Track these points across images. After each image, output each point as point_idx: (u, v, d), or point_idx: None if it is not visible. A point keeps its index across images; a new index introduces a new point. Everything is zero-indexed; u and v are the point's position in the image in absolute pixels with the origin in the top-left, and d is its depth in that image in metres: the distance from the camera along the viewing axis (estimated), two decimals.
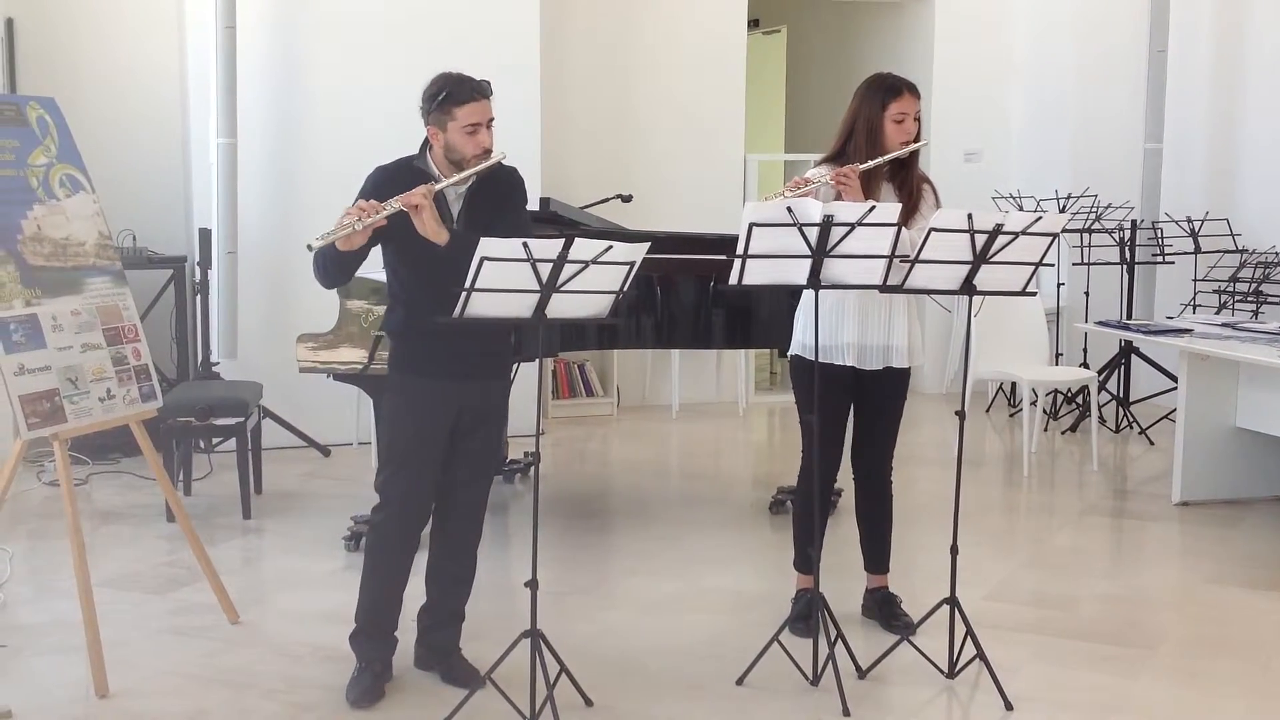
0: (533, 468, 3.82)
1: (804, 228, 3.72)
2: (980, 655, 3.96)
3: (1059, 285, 8.23)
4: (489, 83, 3.75)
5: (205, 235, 6.97)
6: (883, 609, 4.50)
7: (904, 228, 3.92)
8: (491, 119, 3.74)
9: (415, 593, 4.04)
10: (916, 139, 4.24)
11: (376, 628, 3.94)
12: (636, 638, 4.43)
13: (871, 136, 4.20)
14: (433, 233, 3.62)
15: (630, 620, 4.63)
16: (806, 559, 4.32)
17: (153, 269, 7.06)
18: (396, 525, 3.88)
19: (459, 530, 3.98)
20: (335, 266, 3.73)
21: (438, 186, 3.67)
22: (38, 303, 4.06)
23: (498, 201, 3.80)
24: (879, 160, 4.15)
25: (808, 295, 4.20)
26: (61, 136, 4.40)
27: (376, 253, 3.80)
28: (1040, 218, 3.78)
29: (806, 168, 4.31)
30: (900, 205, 3.90)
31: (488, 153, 3.71)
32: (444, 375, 3.81)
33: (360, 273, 3.88)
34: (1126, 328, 6.70)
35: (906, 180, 4.27)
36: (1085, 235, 7.99)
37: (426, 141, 3.79)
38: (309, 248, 3.61)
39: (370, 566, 3.94)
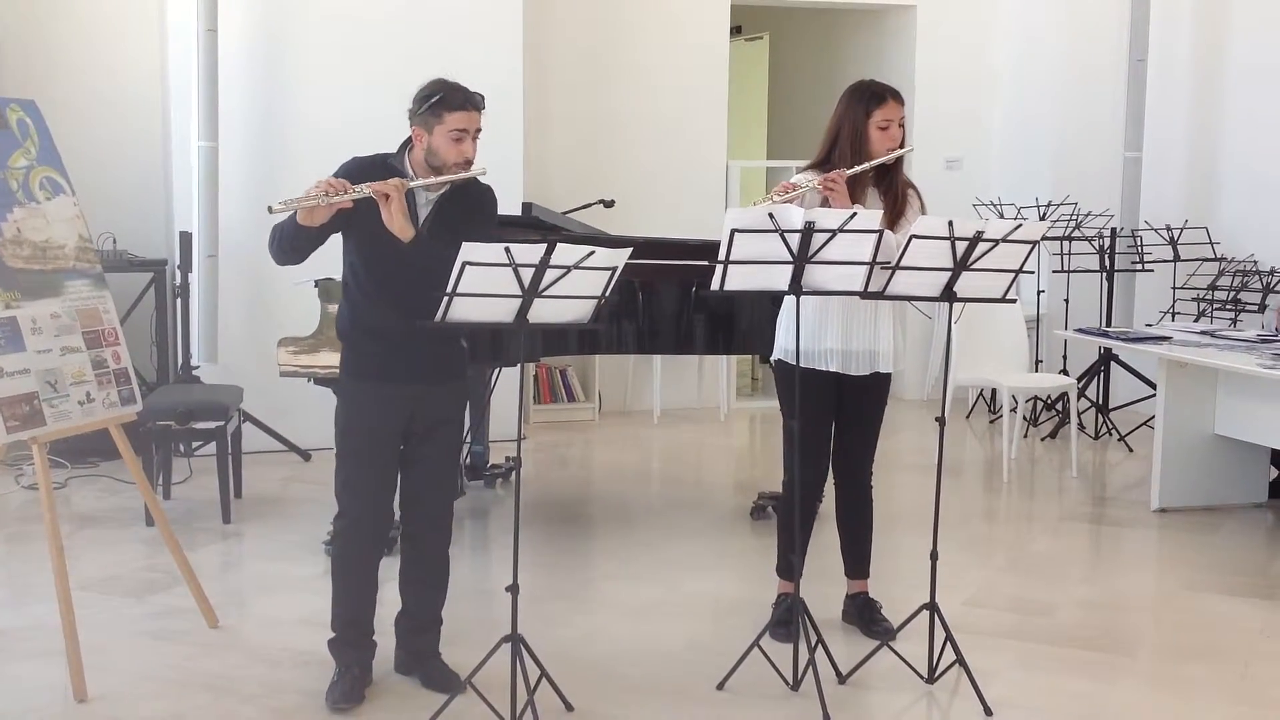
0: (514, 473, 3.81)
1: (785, 234, 3.73)
2: (960, 661, 3.97)
3: (1039, 292, 8.26)
4: (483, 96, 3.74)
5: (186, 238, 6.95)
6: (863, 614, 4.50)
7: (889, 231, 3.93)
8: (479, 130, 3.73)
9: (392, 597, 4.04)
10: (901, 145, 4.26)
11: (353, 633, 3.93)
12: (617, 643, 4.43)
13: (857, 143, 4.22)
14: (399, 227, 3.60)
15: (611, 625, 4.63)
16: (788, 564, 4.33)
17: (133, 272, 7.04)
18: (358, 531, 3.88)
19: (426, 537, 3.96)
20: (290, 242, 3.70)
21: (412, 184, 3.66)
22: (17, 305, 4.05)
23: (467, 215, 3.77)
24: (865, 165, 4.17)
25: (790, 300, 4.21)
26: (42, 139, 4.38)
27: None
28: (1020, 225, 3.80)
29: (788, 174, 4.34)
30: (882, 212, 3.92)
31: (468, 164, 3.71)
32: (391, 378, 3.79)
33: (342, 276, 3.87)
34: (1106, 335, 6.74)
35: (892, 186, 4.29)
36: (1065, 243, 8.02)
37: (406, 142, 3.78)
38: (270, 209, 3.58)
39: (338, 574, 3.94)
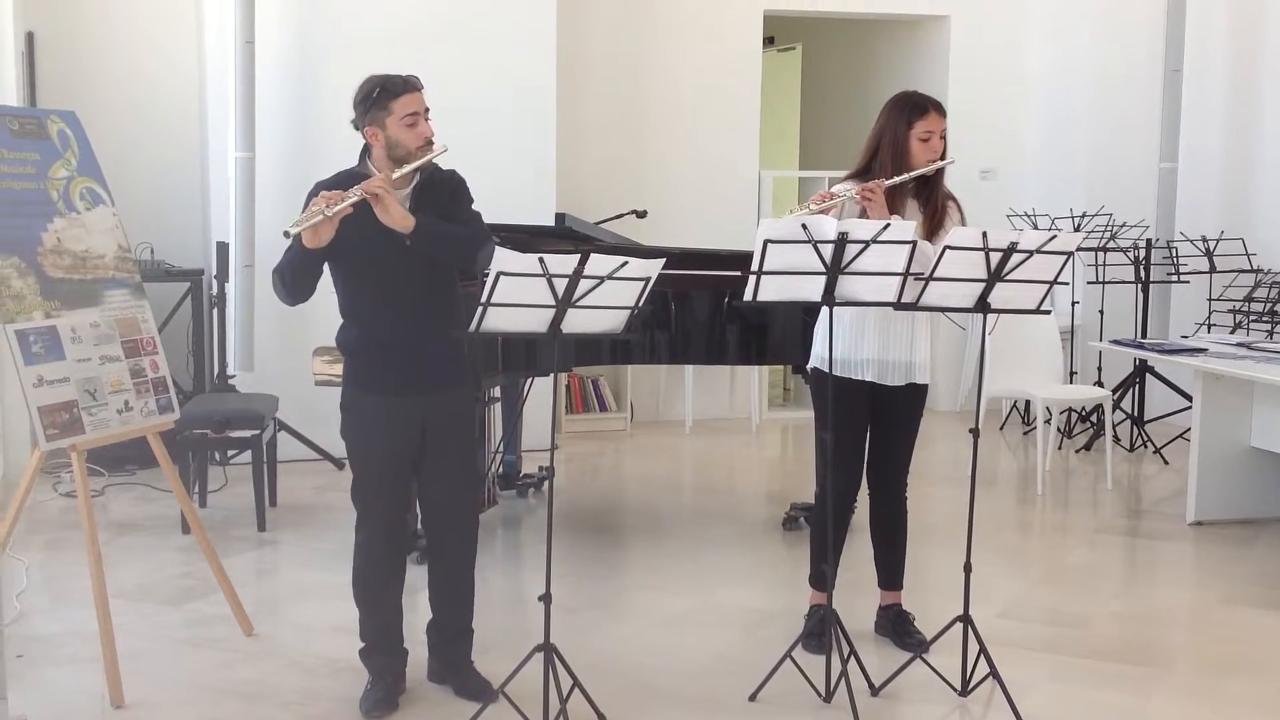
0: (547, 482, 3.82)
1: (819, 244, 3.73)
2: (993, 673, 3.95)
3: (1073, 304, 8.22)
4: (417, 76, 3.75)
5: (223, 249, 7.00)
6: (896, 626, 4.49)
7: (924, 241, 3.93)
8: (427, 109, 3.73)
9: (424, 605, 4.06)
10: (942, 157, 4.25)
11: (382, 642, 3.95)
12: (649, 653, 4.43)
13: (897, 154, 4.21)
14: (398, 219, 3.59)
15: (643, 635, 4.63)
16: (821, 575, 4.32)
17: (170, 282, 7.10)
18: (379, 543, 3.89)
19: (451, 548, 3.97)
20: (299, 275, 3.71)
21: (395, 175, 3.65)
22: (57, 314, 4.09)
23: (444, 202, 3.77)
24: (905, 176, 4.16)
25: (825, 310, 4.20)
26: (82, 150, 4.44)
27: None
28: (1055, 236, 3.78)
29: (821, 185, 4.35)
30: (916, 223, 3.91)
31: (430, 143, 3.71)
32: (396, 391, 3.79)
33: None
34: (1141, 346, 6.69)
35: (931, 198, 4.28)
36: (1100, 254, 7.98)
37: (365, 149, 3.78)
38: (285, 234, 3.61)
39: (361, 586, 3.94)
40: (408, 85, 3.69)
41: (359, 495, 3.88)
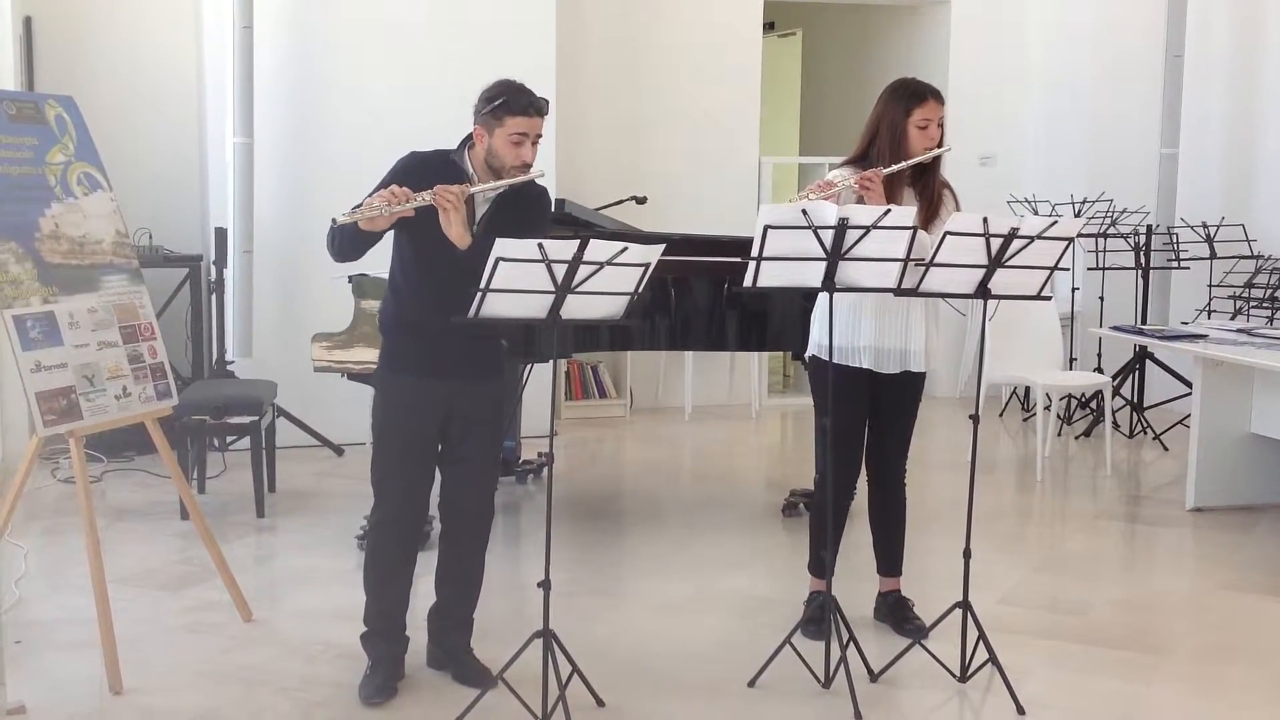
0: (546, 468, 3.81)
1: (819, 230, 3.72)
2: (992, 659, 3.95)
3: (1074, 290, 8.21)
4: (547, 102, 3.75)
5: (221, 234, 6.99)
6: (895, 612, 4.49)
7: (921, 230, 3.92)
8: (539, 135, 3.74)
9: (425, 591, 4.05)
10: (940, 145, 4.24)
11: (386, 627, 3.95)
12: (648, 639, 4.43)
13: (895, 141, 4.20)
14: (457, 235, 3.60)
15: (642, 621, 4.63)
16: (821, 561, 4.32)
17: (169, 267, 7.09)
18: (394, 526, 3.89)
19: (464, 536, 3.97)
20: (350, 244, 3.70)
21: (472, 189, 3.66)
22: (55, 300, 4.08)
23: (521, 215, 3.78)
24: (903, 164, 4.15)
25: (824, 296, 4.19)
26: (79, 135, 4.42)
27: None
28: (1055, 222, 3.78)
29: (821, 171, 4.33)
30: (917, 209, 3.90)
31: (527, 167, 3.72)
32: (429, 374, 3.80)
33: (376, 273, 3.88)
34: (1141, 333, 6.68)
35: (928, 185, 4.26)
36: (1100, 240, 7.97)
37: (467, 139, 3.78)
38: (334, 221, 3.61)
39: (372, 567, 3.94)
40: (530, 108, 3.69)
41: (379, 474, 3.88)
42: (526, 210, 3.81)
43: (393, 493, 3.87)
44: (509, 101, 3.67)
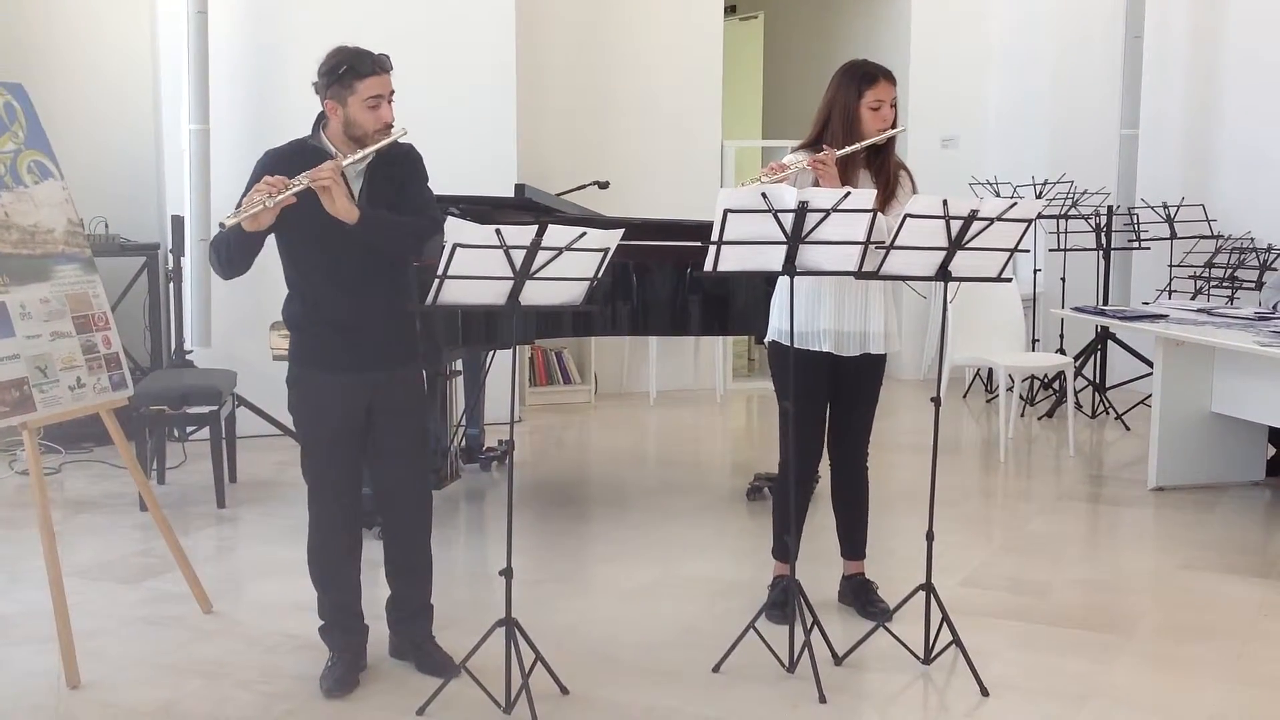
0: (508, 455, 3.79)
1: (779, 214, 3.70)
2: (956, 641, 3.96)
3: (1035, 271, 8.24)
4: (389, 56, 3.66)
5: (178, 222, 6.91)
6: (859, 595, 4.49)
7: (880, 214, 3.91)
8: (392, 92, 3.65)
9: (385, 580, 4.02)
10: (893, 126, 4.23)
11: (341, 619, 3.91)
12: (612, 626, 4.41)
13: (848, 124, 4.18)
14: (344, 211, 3.51)
15: (606, 608, 4.62)
16: (784, 546, 4.32)
17: (125, 256, 7.01)
18: (331, 520, 3.84)
19: (405, 526, 3.92)
20: (240, 251, 3.60)
21: (344, 163, 3.57)
22: (6, 291, 4.02)
23: (399, 179, 3.70)
24: (857, 146, 4.14)
25: (783, 281, 4.18)
26: (29, 122, 4.35)
27: None
28: (1015, 204, 3.77)
29: (784, 154, 4.29)
30: (876, 191, 3.89)
31: (388, 128, 3.63)
32: (345, 368, 3.72)
33: None
34: (1103, 313, 6.71)
35: (883, 167, 4.26)
36: (1062, 221, 8.00)
37: (320, 119, 3.70)
38: (221, 225, 3.55)
39: (315, 564, 3.89)
40: (377, 67, 3.60)
41: (309, 471, 3.83)
42: (401, 169, 3.72)
43: (325, 488, 3.81)
44: (354, 67, 3.58)
